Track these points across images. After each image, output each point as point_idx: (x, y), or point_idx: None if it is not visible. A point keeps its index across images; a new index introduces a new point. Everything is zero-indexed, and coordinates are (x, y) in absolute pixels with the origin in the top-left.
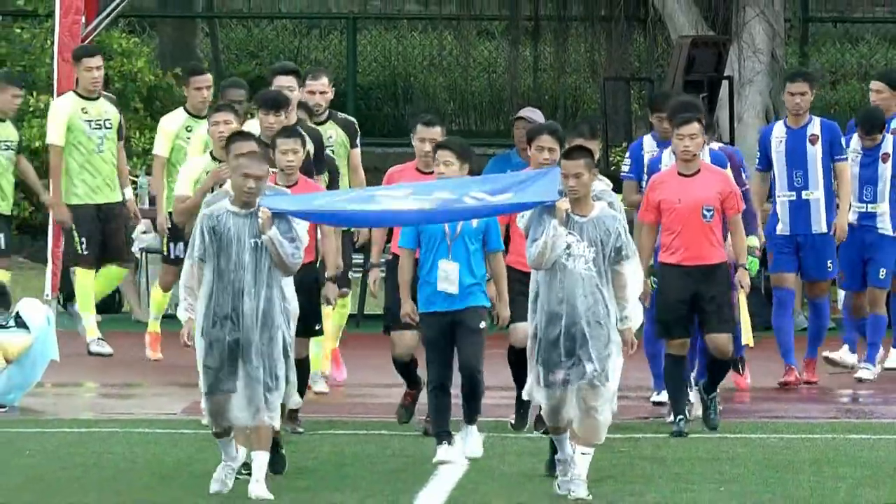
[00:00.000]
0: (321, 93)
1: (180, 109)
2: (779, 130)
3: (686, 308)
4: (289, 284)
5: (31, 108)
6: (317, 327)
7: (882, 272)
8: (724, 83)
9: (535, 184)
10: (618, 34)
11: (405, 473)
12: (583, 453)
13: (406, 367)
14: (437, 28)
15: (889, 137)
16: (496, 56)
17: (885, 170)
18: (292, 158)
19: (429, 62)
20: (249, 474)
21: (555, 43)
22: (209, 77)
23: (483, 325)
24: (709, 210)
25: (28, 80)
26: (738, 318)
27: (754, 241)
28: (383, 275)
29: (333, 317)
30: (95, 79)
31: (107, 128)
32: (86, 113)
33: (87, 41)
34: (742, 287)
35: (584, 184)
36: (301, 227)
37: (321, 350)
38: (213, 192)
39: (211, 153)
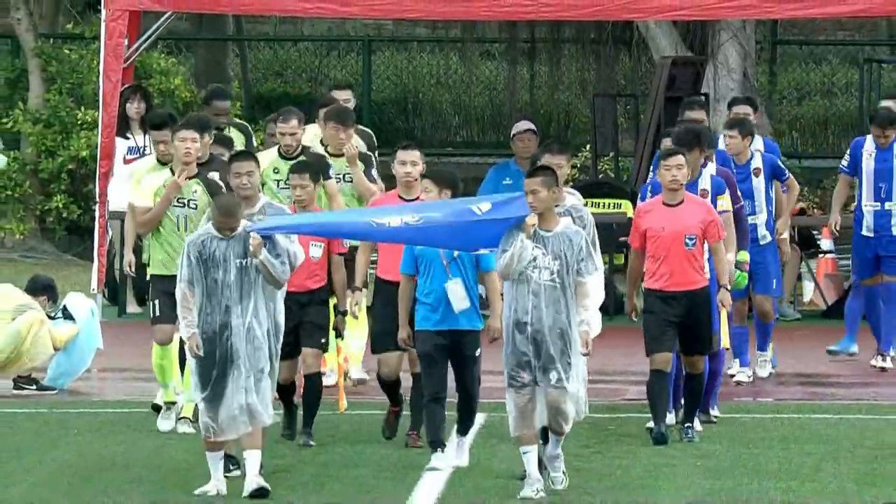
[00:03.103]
0: (291, 134)
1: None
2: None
3: (671, 327)
4: (279, 300)
5: (79, 122)
6: (322, 341)
7: (773, 283)
8: (701, 99)
9: (509, 205)
10: (606, 55)
11: (415, 450)
12: (556, 439)
13: (390, 387)
14: (443, 50)
15: (757, 154)
16: (496, 75)
17: (758, 183)
18: (300, 193)
19: (436, 80)
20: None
21: (549, 63)
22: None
23: (479, 351)
24: (691, 238)
25: (76, 96)
26: (718, 325)
27: (745, 256)
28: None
29: None
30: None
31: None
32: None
33: (128, 61)
34: (724, 306)
35: (542, 200)
36: (291, 242)
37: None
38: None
39: (171, 168)
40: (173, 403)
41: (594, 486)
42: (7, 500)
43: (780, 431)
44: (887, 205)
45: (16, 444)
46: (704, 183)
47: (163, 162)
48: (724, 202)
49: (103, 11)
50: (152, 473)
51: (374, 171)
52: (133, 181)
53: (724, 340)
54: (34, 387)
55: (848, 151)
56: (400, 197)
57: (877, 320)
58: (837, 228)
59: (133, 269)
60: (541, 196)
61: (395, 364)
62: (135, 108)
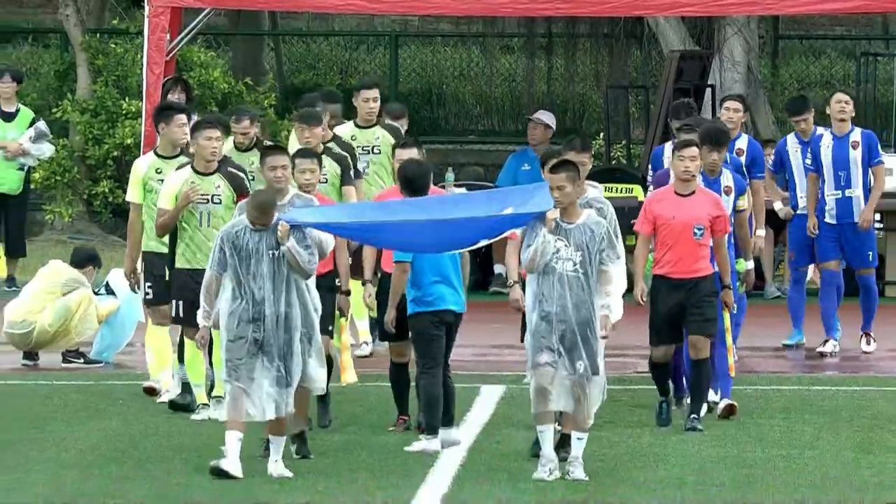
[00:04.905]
0: (243, 133)
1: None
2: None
3: (675, 317)
4: (312, 288)
5: (124, 111)
6: (329, 328)
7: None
8: (708, 91)
9: (532, 198)
10: (618, 49)
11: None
12: (578, 438)
13: (399, 374)
14: (466, 44)
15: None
16: (516, 67)
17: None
18: (309, 177)
19: (459, 72)
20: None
21: (565, 56)
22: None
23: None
24: (699, 229)
25: (121, 87)
26: (725, 341)
27: (741, 266)
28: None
29: None
30: (372, 109)
31: (375, 153)
32: (354, 139)
33: (170, 54)
34: (727, 306)
35: (567, 194)
36: (318, 232)
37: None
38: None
39: (192, 165)
40: (206, 405)
41: (606, 454)
42: (59, 464)
43: (781, 402)
44: (847, 191)
45: (66, 413)
46: (727, 180)
47: (161, 155)
48: (743, 202)
49: (146, 8)
50: (193, 441)
51: (351, 172)
52: (133, 178)
53: (731, 365)
54: (82, 360)
55: (774, 154)
56: (401, 191)
57: (830, 306)
58: (815, 230)
59: (136, 276)
60: (566, 191)
61: (403, 350)
62: (175, 98)
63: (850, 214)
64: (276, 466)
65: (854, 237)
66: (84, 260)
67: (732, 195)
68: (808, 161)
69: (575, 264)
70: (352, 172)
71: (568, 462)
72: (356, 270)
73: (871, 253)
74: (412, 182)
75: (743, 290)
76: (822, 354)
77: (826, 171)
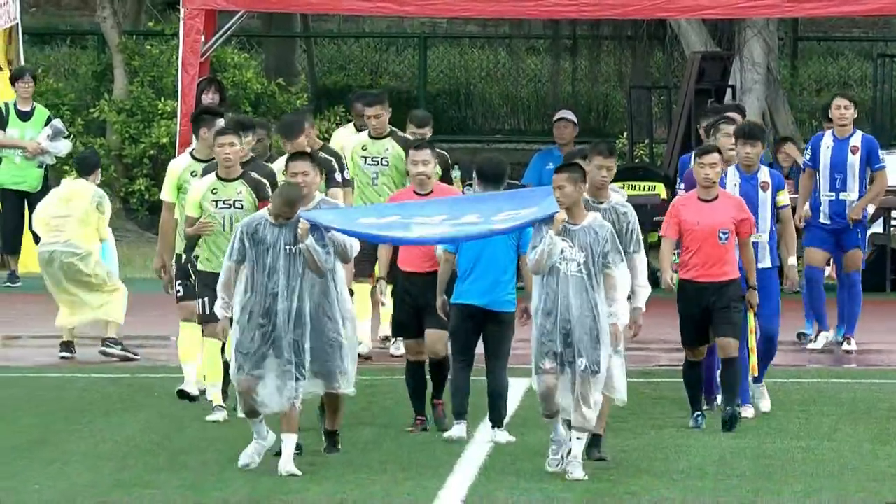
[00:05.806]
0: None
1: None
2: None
3: (703, 320)
4: (346, 300)
5: (160, 111)
6: None
7: None
8: (729, 91)
9: (540, 201)
10: (641, 50)
11: (471, 408)
12: (577, 438)
13: (415, 373)
14: (493, 45)
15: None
16: (541, 68)
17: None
18: (301, 180)
19: (486, 73)
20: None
21: (589, 57)
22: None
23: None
24: (724, 233)
25: (157, 87)
26: (747, 343)
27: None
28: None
29: None
30: (375, 125)
31: (383, 164)
32: (365, 150)
33: (204, 56)
34: (751, 307)
35: (568, 195)
36: (342, 236)
37: None
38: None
39: (216, 173)
40: (222, 407)
41: (630, 444)
42: (96, 455)
43: (800, 395)
44: (842, 195)
45: (102, 406)
46: (764, 176)
47: (197, 158)
48: (784, 197)
49: (182, 10)
50: (227, 433)
51: (337, 175)
52: (169, 178)
53: (753, 365)
54: (119, 347)
55: (808, 146)
56: (415, 192)
57: (848, 305)
58: (801, 223)
59: (167, 274)
60: (567, 191)
61: (418, 348)
62: (209, 98)
63: (843, 217)
64: (286, 464)
65: (847, 235)
66: (91, 166)
67: (770, 191)
68: (807, 157)
69: (579, 265)
70: (337, 176)
71: (567, 462)
72: (360, 271)
73: (860, 232)
74: (492, 177)
75: (787, 286)
76: (846, 351)
77: (822, 172)
